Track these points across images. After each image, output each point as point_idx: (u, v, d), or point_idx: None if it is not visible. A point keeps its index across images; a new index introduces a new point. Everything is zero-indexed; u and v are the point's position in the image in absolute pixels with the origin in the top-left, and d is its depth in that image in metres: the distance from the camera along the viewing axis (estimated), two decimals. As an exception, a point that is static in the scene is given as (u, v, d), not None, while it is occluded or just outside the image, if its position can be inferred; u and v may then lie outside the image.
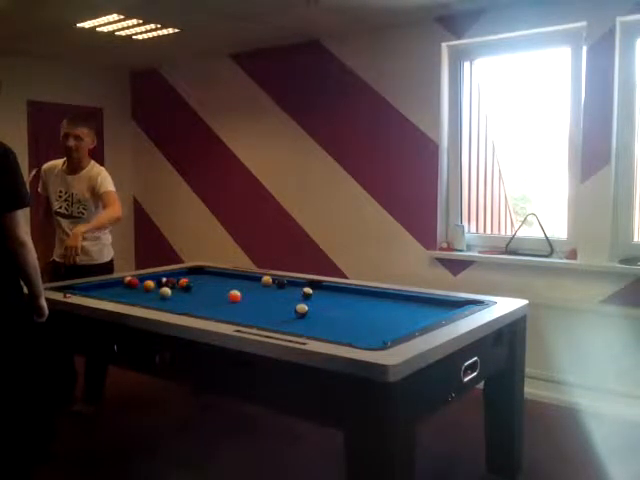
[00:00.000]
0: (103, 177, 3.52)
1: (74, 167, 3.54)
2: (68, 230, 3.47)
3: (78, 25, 4.32)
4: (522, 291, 3.59)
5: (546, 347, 3.70)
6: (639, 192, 3.72)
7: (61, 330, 2.89)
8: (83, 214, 3.51)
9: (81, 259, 3.34)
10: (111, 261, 3.68)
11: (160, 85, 5.92)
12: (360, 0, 3.75)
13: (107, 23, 4.28)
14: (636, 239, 3.69)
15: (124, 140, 6.18)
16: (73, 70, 5.69)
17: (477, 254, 4.15)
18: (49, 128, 4.90)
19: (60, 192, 3.54)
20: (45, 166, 3.65)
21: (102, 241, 3.60)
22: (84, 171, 3.53)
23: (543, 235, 3.95)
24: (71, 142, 3.45)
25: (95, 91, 5.90)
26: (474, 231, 4.41)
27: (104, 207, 3.47)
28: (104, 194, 3.47)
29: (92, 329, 2.72)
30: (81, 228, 3.31)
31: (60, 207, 3.53)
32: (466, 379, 2.22)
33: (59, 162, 3.61)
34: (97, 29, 4.41)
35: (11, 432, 2.38)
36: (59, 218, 3.54)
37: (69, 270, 3.37)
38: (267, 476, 2.91)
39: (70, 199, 3.52)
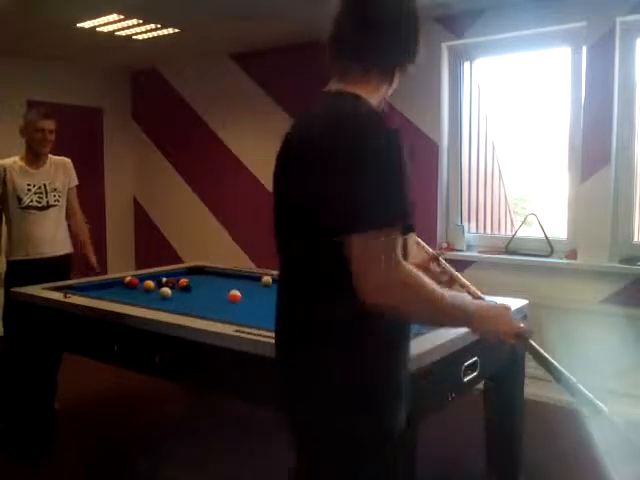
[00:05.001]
0: (73, 169, 3.70)
1: (37, 160, 3.56)
2: (39, 223, 3.49)
3: (78, 25, 4.32)
4: (522, 291, 3.58)
5: (546, 347, 3.67)
6: (639, 192, 3.72)
7: (60, 330, 2.89)
8: (59, 201, 3.59)
9: (62, 248, 3.62)
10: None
11: (160, 85, 5.92)
12: (360, 0, 3.75)
13: (107, 23, 4.28)
14: (636, 239, 3.69)
15: (124, 140, 6.18)
16: (73, 70, 5.68)
17: (477, 254, 4.15)
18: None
19: (29, 186, 3.50)
20: (3, 163, 3.53)
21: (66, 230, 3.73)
22: (48, 162, 3.60)
23: (543, 235, 3.95)
24: (48, 136, 3.53)
25: (95, 91, 5.91)
26: (474, 231, 4.41)
27: (70, 206, 3.69)
28: (74, 188, 3.72)
29: (92, 329, 2.72)
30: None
31: (31, 201, 3.49)
32: (466, 379, 2.22)
33: (12, 159, 3.57)
34: (97, 29, 4.41)
35: None
36: (30, 212, 3.49)
37: (37, 266, 3.47)
38: (267, 476, 2.91)
39: (43, 190, 3.52)
